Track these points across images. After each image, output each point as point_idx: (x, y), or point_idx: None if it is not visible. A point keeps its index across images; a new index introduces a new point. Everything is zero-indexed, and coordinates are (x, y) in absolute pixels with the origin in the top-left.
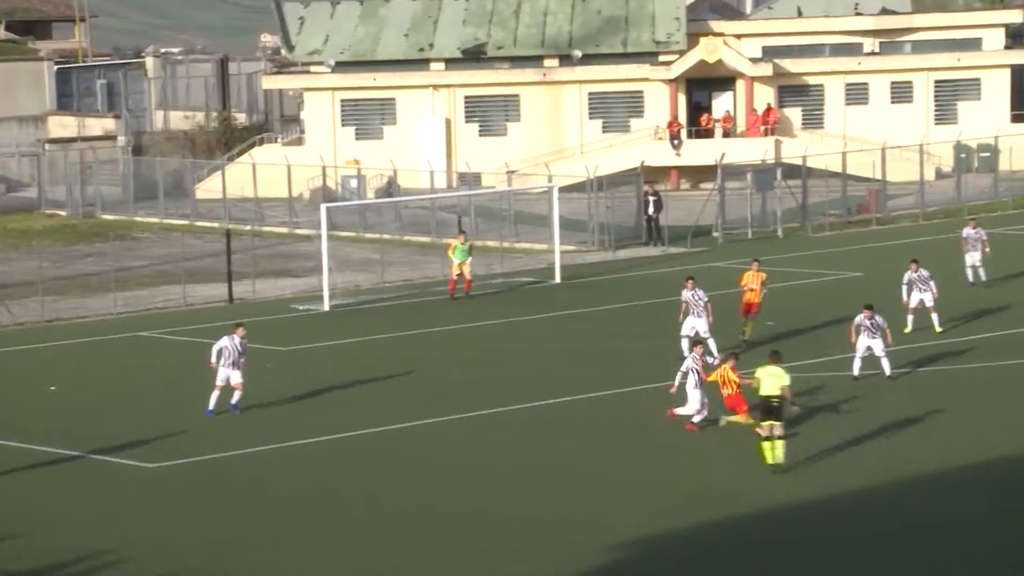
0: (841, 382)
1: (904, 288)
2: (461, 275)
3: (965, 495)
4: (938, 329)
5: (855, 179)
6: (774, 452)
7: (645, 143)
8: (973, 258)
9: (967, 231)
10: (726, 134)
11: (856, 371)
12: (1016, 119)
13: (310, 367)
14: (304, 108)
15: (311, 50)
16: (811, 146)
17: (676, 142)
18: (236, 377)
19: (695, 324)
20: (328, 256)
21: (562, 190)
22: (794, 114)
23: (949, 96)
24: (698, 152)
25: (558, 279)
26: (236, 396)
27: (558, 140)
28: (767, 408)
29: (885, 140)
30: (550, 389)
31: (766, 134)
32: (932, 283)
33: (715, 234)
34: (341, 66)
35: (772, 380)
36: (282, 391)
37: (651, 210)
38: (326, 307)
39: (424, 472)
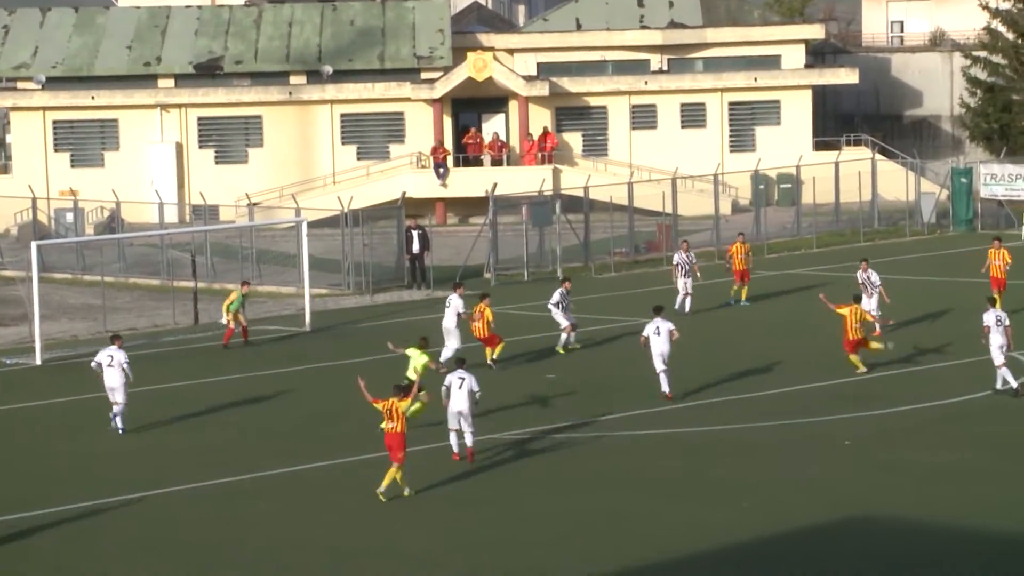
0: (636, 441)
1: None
2: (238, 324)
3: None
4: None
5: (643, 213)
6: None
7: (406, 172)
8: (685, 284)
9: (679, 255)
10: (497, 162)
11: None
12: (819, 146)
13: (16, 430)
14: (10, 130)
15: (18, 63)
16: (593, 176)
17: (442, 171)
18: (120, 394)
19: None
20: (40, 302)
21: (312, 225)
22: (574, 139)
23: (746, 120)
24: (467, 182)
25: (308, 327)
26: (119, 418)
27: (307, 168)
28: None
29: (676, 169)
30: (300, 452)
31: (543, 162)
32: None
33: (487, 275)
34: (53, 82)
35: (412, 363)
36: None
37: (415, 248)
38: (38, 360)
39: (157, 553)
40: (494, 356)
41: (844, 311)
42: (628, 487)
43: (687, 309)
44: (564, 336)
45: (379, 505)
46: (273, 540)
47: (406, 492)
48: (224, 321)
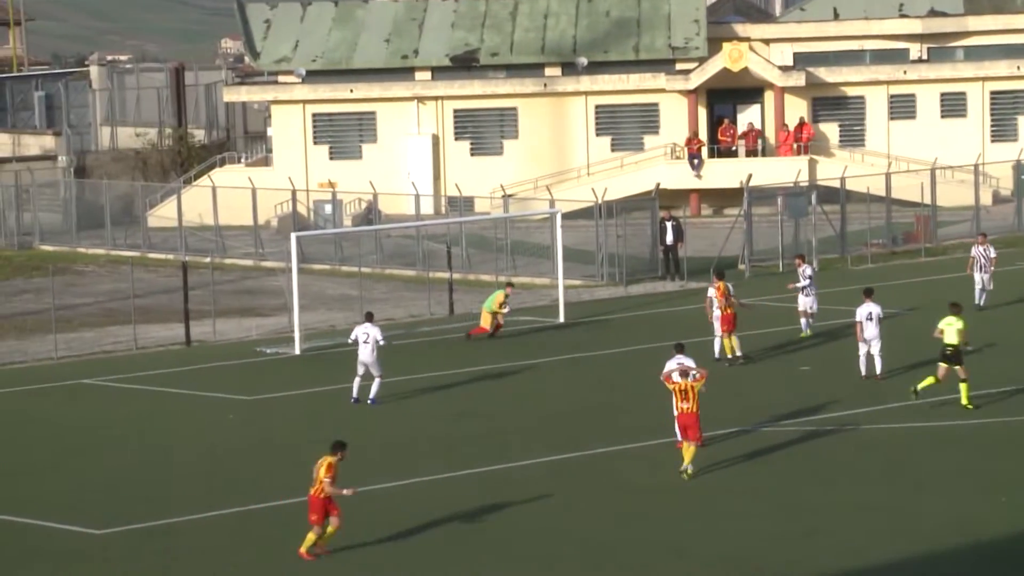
0: (886, 435)
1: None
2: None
3: None
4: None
5: (901, 204)
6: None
7: (660, 163)
8: (982, 279)
9: (976, 249)
10: (752, 153)
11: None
12: None
13: (278, 419)
14: (271, 124)
15: (279, 57)
16: (850, 166)
17: (696, 162)
18: (375, 368)
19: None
20: (299, 292)
21: (566, 216)
22: (831, 130)
23: (1008, 109)
24: (721, 173)
25: (562, 318)
26: (375, 389)
27: (561, 160)
28: (949, 356)
29: (935, 159)
30: (552, 442)
31: (799, 153)
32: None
33: (741, 267)
34: (313, 75)
35: (951, 329)
36: (246, 446)
37: (669, 239)
38: (297, 350)
39: (406, 542)
40: (737, 351)
41: None
42: (882, 480)
43: (982, 303)
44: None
45: (626, 495)
46: (524, 530)
47: (688, 472)
48: (498, 321)
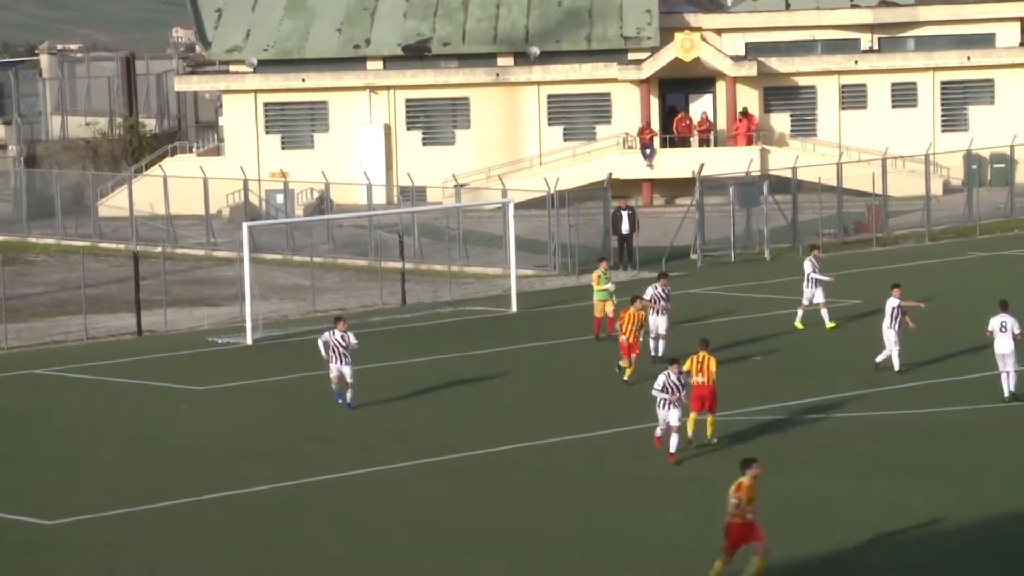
0: (841, 424)
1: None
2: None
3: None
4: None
5: (852, 194)
6: None
7: (613, 153)
8: None
9: None
10: (704, 143)
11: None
12: None
13: (230, 409)
14: (223, 113)
15: (230, 47)
16: (802, 156)
17: (648, 152)
18: (347, 373)
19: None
20: (251, 282)
21: (518, 206)
22: (782, 120)
23: (958, 99)
24: (673, 163)
25: (514, 308)
26: (349, 394)
27: (513, 149)
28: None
29: (886, 149)
30: (504, 433)
31: (750, 143)
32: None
33: (693, 256)
34: (265, 65)
35: None
36: (198, 437)
37: (625, 228)
38: (249, 340)
39: (358, 532)
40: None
41: None
42: (839, 470)
43: None
44: (803, 312)
45: (570, 485)
46: (477, 520)
47: (714, 440)
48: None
